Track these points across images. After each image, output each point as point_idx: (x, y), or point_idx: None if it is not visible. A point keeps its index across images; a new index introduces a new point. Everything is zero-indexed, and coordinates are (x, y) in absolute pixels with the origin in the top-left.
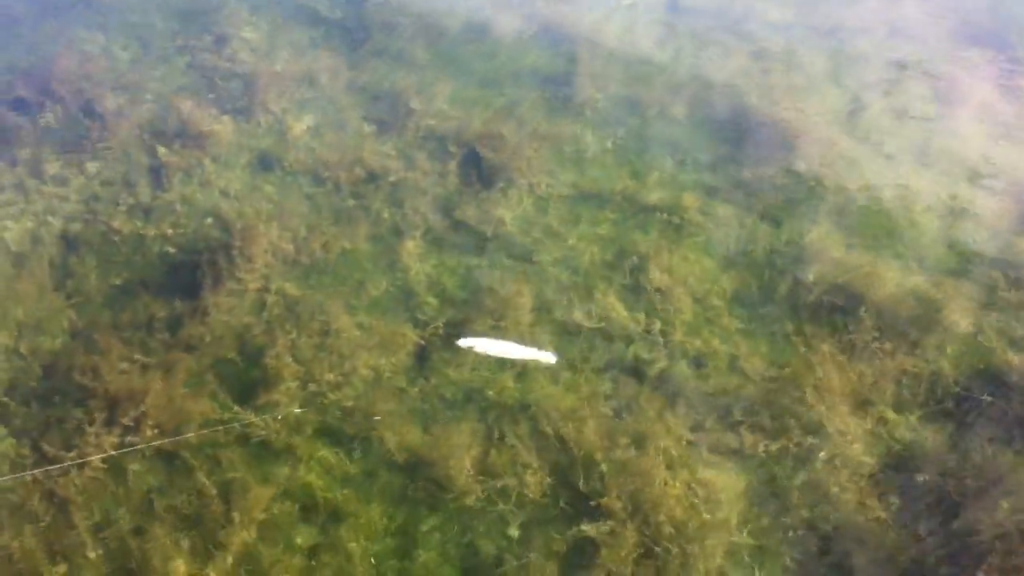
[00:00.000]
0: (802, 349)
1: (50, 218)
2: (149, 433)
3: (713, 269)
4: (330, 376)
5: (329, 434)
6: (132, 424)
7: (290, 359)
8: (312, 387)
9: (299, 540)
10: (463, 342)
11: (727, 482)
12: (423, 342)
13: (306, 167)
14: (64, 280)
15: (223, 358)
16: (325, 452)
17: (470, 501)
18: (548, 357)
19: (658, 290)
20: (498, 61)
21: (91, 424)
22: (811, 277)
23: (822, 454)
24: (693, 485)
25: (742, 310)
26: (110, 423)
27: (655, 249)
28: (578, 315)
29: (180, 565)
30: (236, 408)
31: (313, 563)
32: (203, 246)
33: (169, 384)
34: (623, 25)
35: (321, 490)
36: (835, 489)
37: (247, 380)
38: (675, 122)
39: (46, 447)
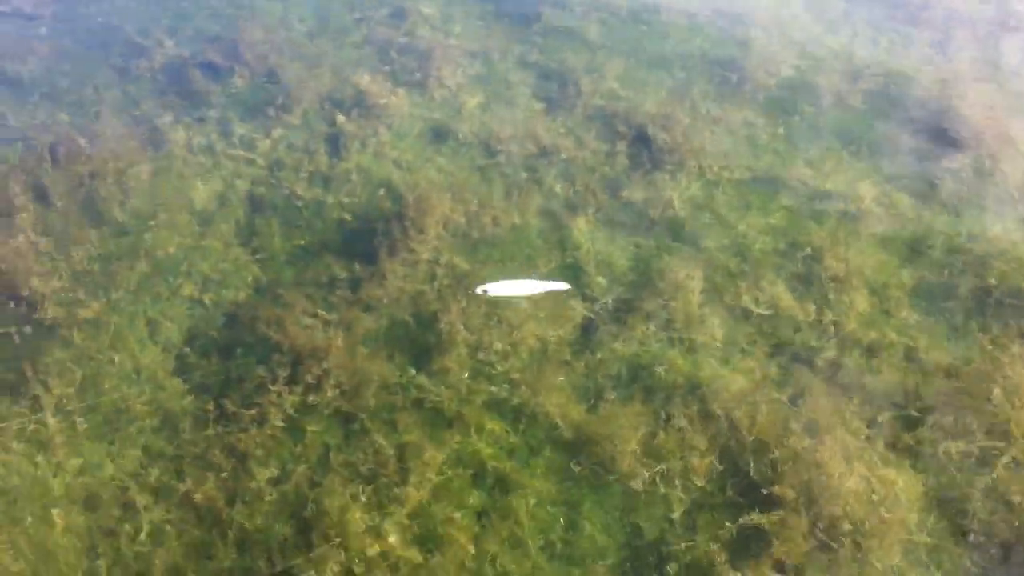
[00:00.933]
0: (988, 347)
1: (237, 180)
2: (330, 393)
3: (889, 261)
4: (498, 346)
5: (497, 405)
6: (314, 382)
7: (462, 327)
8: (481, 356)
9: (470, 502)
10: (477, 289)
11: (905, 479)
12: (591, 317)
13: (477, 140)
14: (249, 238)
15: (399, 320)
16: (493, 424)
17: (636, 484)
18: (561, 286)
19: (832, 279)
20: (670, 42)
21: (274, 382)
22: (994, 274)
23: (1005, 458)
24: (871, 479)
25: (920, 303)
26: (293, 380)
27: (829, 239)
28: (747, 300)
29: (356, 515)
30: (412, 371)
31: (483, 526)
32: (377, 215)
33: (350, 342)
34: (797, 9)
35: (490, 459)
36: (1018, 498)
37: (422, 344)
38: (851, 109)
39: (227, 403)
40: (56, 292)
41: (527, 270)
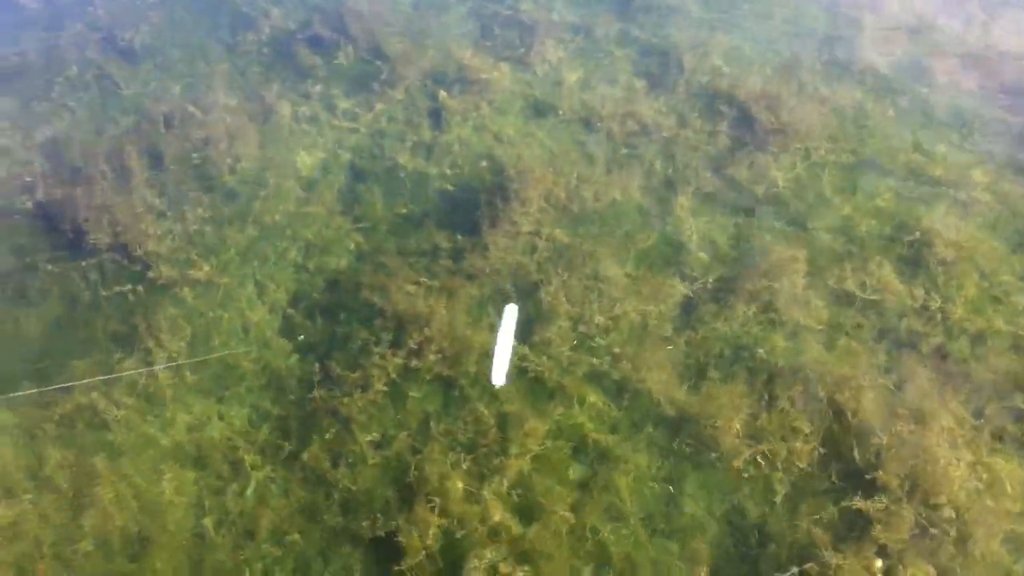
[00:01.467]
0: None
1: (340, 150)
2: (432, 358)
3: (1001, 248)
4: (599, 319)
5: (598, 378)
6: (416, 347)
7: (563, 299)
8: (582, 328)
9: (570, 474)
10: (498, 381)
11: (1010, 468)
12: (691, 296)
13: (578, 116)
14: (352, 207)
15: (501, 290)
16: (595, 397)
17: (738, 464)
18: (512, 311)
19: (941, 264)
20: (775, 21)
21: (377, 345)
22: None
23: None
24: (976, 467)
25: None
26: (396, 344)
27: (938, 224)
28: (852, 284)
29: (457, 483)
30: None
31: (584, 498)
32: (479, 187)
33: (452, 311)
34: None
35: (591, 432)
36: None
37: (523, 315)
38: (964, 93)
39: (332, 365)
40: (169, 253)
41: (626, 246)
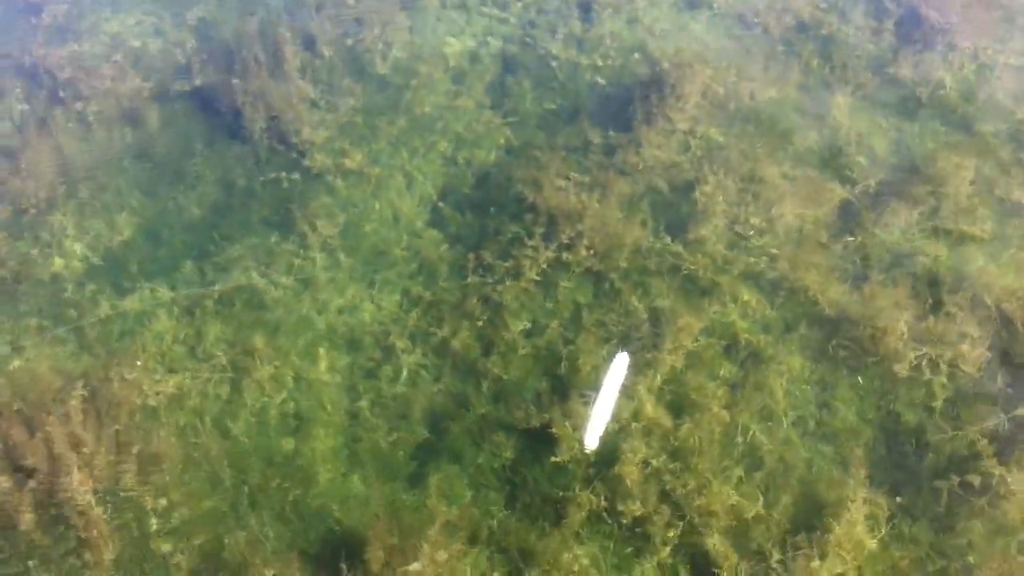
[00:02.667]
0: None
1: (489, 38)
2: (583, 252)
3: None
4: (755, 220)
5: (754, 278)
6: (568, 242)
7: (719, 198)
8: (738, 228)
9: (722, 373)
10: (591, 443)
11: None
12: (851, 200)
13: (734, 11)
14: (501, 100)
15: (654, 187)
16: (749, 296)
17: (898, 368)
18: (622, 363)
19: None
20: None
21: (530, 237)
22: None
23: None
24: None
25: None
26: (548, 237)
27: None
28: (1020, 195)
29: None
30: (667, 238)
31: (736, 397)
32: (632, 81)
33: (605, 206)
34: None
35: (744, 332)
36: None
37: (677, 212)
38: None
39: (484, 254)
40: (323, 142)
41: (783, 145)
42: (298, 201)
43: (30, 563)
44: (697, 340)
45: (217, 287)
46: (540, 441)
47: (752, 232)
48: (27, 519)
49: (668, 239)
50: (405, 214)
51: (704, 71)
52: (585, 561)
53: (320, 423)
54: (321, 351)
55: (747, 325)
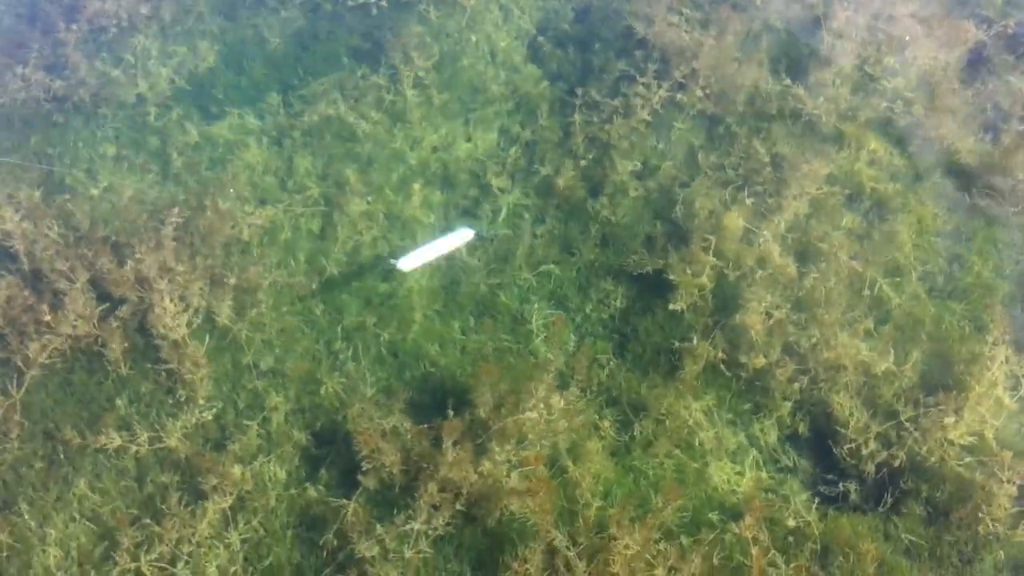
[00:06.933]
0: None
1: None
2: (699, 93)
3: None
4: (887, 60)
5: (882, 125)
6: (682, 81)
7: (847, 37)
8: (867, 69)
9: (848, 222)
10: (403, 265)
11: None
12: (986, 42)
13: None
14: None
15: (773, 27)
16: (876, 144)
17: None
18: (466, 234)
19: None
20: None
21: (642, 75)
22: None
23: None
24: None
25: None
26: (661, 75)
27: None
28: None
29: (732, 221)
30: (787, 80)
31: (860, 246)
32: None
33: (721, 45)
34: None
35: (870, 181)
36: None
37: (798, 54)
38: None
39: (590, 92)
40: None
41: None
42: (390, 30)
43: (118, 401)
44: (821, 187)
45: (304, 118)
46: (653, 287)
47: (882, 74)
48: (116, 352)
49: (788, 81)
50: (502, 49)
51: None
52: (700, 415)
53: None
54: (415, 187)
55: (874, 173)
